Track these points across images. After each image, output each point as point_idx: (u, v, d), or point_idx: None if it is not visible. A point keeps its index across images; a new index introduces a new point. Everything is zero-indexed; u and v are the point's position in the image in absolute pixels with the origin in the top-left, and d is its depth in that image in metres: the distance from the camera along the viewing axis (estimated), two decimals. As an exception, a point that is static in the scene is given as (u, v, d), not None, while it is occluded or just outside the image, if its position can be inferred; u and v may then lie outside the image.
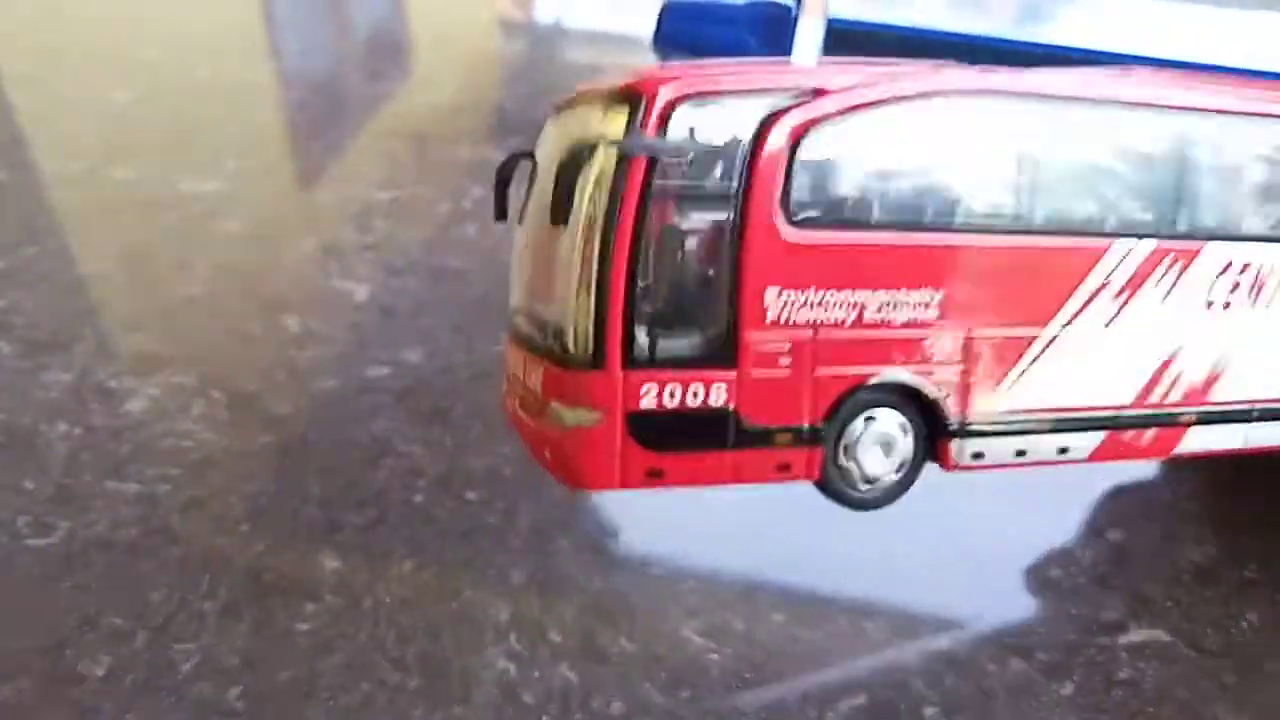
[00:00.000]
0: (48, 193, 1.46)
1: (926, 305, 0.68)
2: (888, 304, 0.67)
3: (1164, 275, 0.74)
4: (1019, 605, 0.85)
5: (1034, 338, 0.71)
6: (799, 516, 0.90)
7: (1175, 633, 0.82)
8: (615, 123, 0.64)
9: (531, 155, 0.77)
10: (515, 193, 0.81)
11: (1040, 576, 0.87)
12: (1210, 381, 0.76)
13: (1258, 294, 0.76)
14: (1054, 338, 0.71)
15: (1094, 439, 0.74)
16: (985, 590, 0.86)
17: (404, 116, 1.77)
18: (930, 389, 0.69)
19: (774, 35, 1.35)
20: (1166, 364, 0.75)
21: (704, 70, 0.68)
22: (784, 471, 0.67)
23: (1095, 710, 0.75)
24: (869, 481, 0.70)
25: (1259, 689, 0.77)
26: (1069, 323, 0.72)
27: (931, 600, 0.84)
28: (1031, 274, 0.71)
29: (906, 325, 0.67)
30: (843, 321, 0.66)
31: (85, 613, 0.80)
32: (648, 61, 1.40)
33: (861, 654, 0.80)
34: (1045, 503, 0.92)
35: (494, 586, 0.84)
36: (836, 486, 0.70)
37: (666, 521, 0.91)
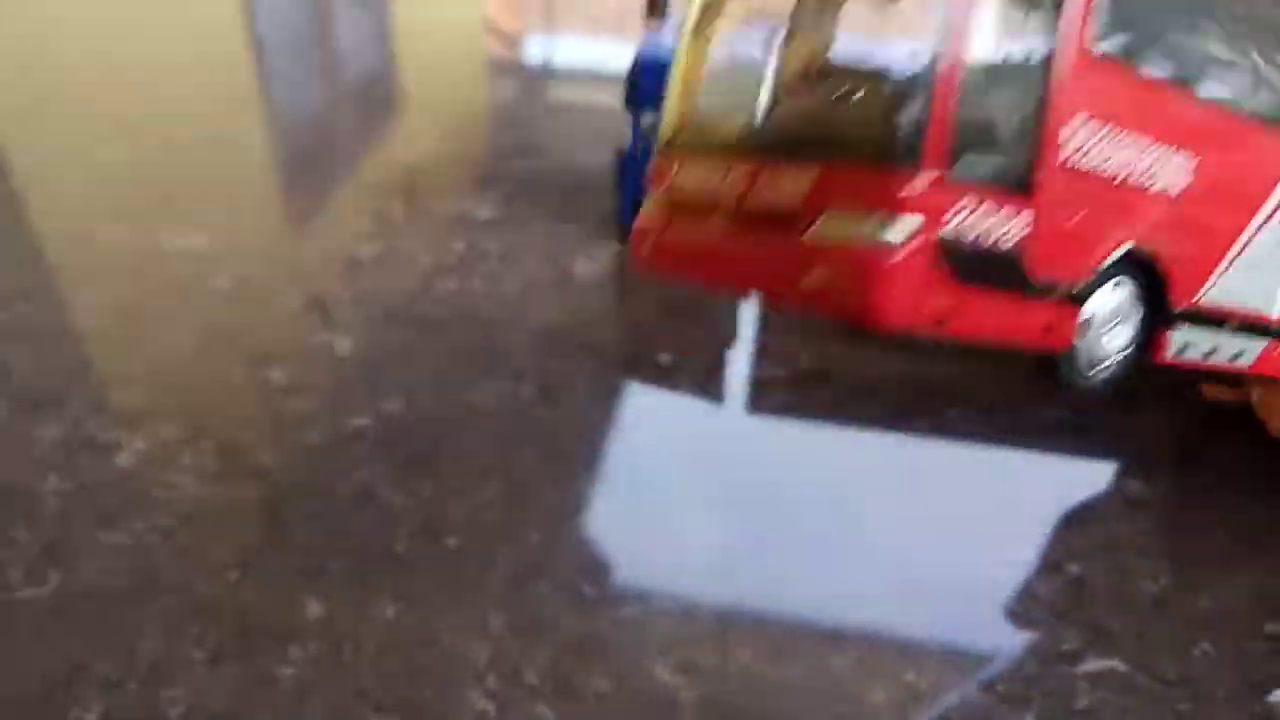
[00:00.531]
0: (36, 251, 1.48)
1: (1182, 174, 0.66)
2: (1153, 164, 0.65)
3: None
4: (980, 638, 0.87)
5: (1244, 225, 0.70)
6: (768, 557, 0.93)
7: (1132, 662, 0.84)
8: None
9: None
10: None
11: (1000, 609, 0.89)
12: None
13: None
14: (1258, 229, 0.70)
15: (1258, 347, 0.74)
16: (947, 623, 0.87)
17: (390, 169, 1.80)
18: (1166, 268, 0.68)
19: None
20: None
21: None
22: (1046, 334, 0.66)
23: (1055, 739, 0.77)
24: (1095, 364, 0.69)
25: (1213, 716, 0.79)
26: (1265, 222, 0.71)
27: (895, 634, 0.86)
28: (1253, 161, 0.70)
29: (1161, 195, 0.66)
30: (1116, 177, 0.64)
31: (75, 661, 0.81)
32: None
33: (827, 688, 0.81)
34: (1005, 538, 0.95)
35: (473, 629, 0.85)
36: (1062, 365, 0.68)
37: (639, 563, 0.93)
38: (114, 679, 0.80)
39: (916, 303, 0.60)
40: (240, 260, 1.44)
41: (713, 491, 1.01)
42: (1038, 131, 0.62)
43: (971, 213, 0.60)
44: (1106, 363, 0.70)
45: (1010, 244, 0.62)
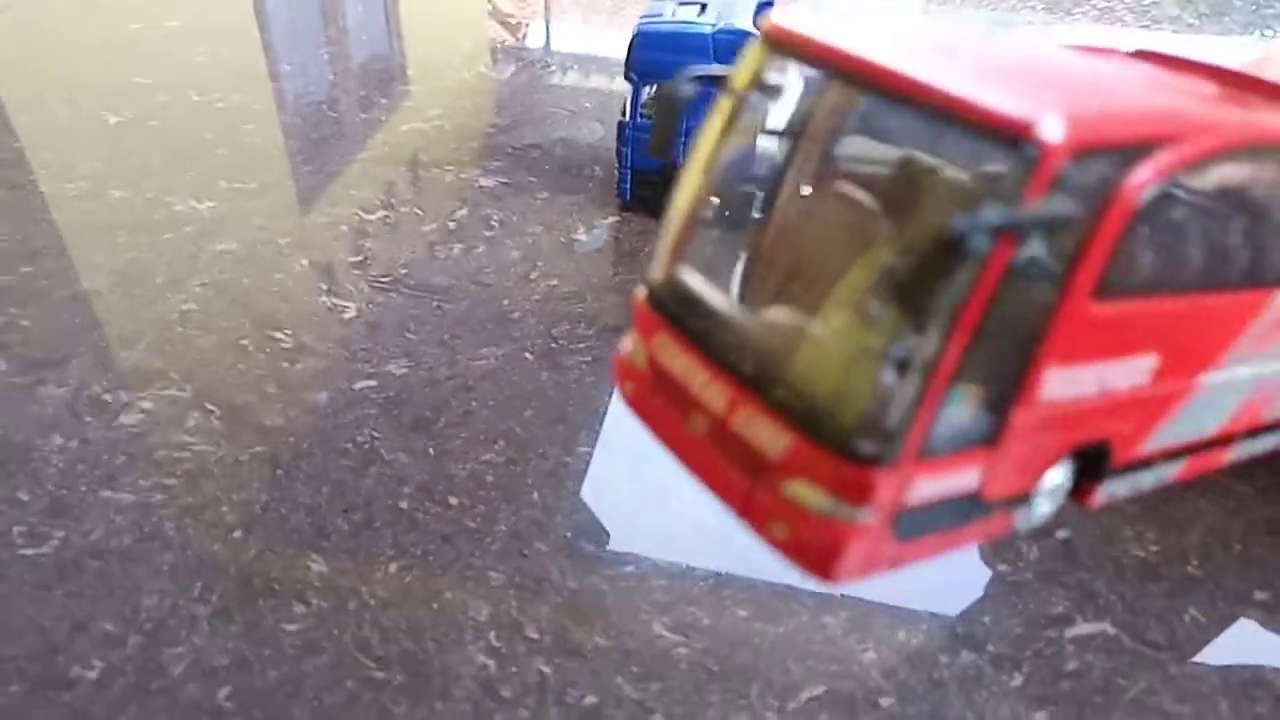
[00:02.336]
0: (45, 213, 1.48)
1: (1145, 370, 0.62)
2: (1126, 371, 0.61)
3: None
4: (970, 600, 0.88)
5: (1196, 386, 0.67)
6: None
7: (1120, 626, 0.85)
8: (987, 181, 0.49)
9: (722, 82, 0.61)
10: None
11: (990, 572, 0.91)
12: (1263, 407, 0.77)
13: None
14: (1201, 386, 0.68)
15: (1180, 465, 0.74)
16: (938, 586, 0.88)
17: (395, 141, 1.80)
18: (1114, 444, 0.65)
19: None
20: (1248, 397, 0.74)
21: (1087, 92, 0.53)
22: (990, 535, 0.63)
23: (1043, 700, 0.78)
24: (1031, 527, 0.66)
25: (1202, 680, 0.81)
26: (1218, 369, 0.68)
27: (887, 596, 0.87)
28: (1217, 326, 0.66)
29: (1124, 389, 0.62)
30: (1085, 394, 0.59)
31: (78, 618, 0.82)
32: (625, 86, 1.43)
33: (820, 647, 0.83)
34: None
35: (474, 587, 0.87)
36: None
37: (638, 523, 0.94)
38: (116, 636, 0.81)
39: (870, 561, 0.58)
40: (247, 225, 1.45)
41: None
42: (1019, 385, 0.55)
43: (938, 480, 0.55)
44: (1039, 519, 0.67)
45: (969, 488, 0.58)
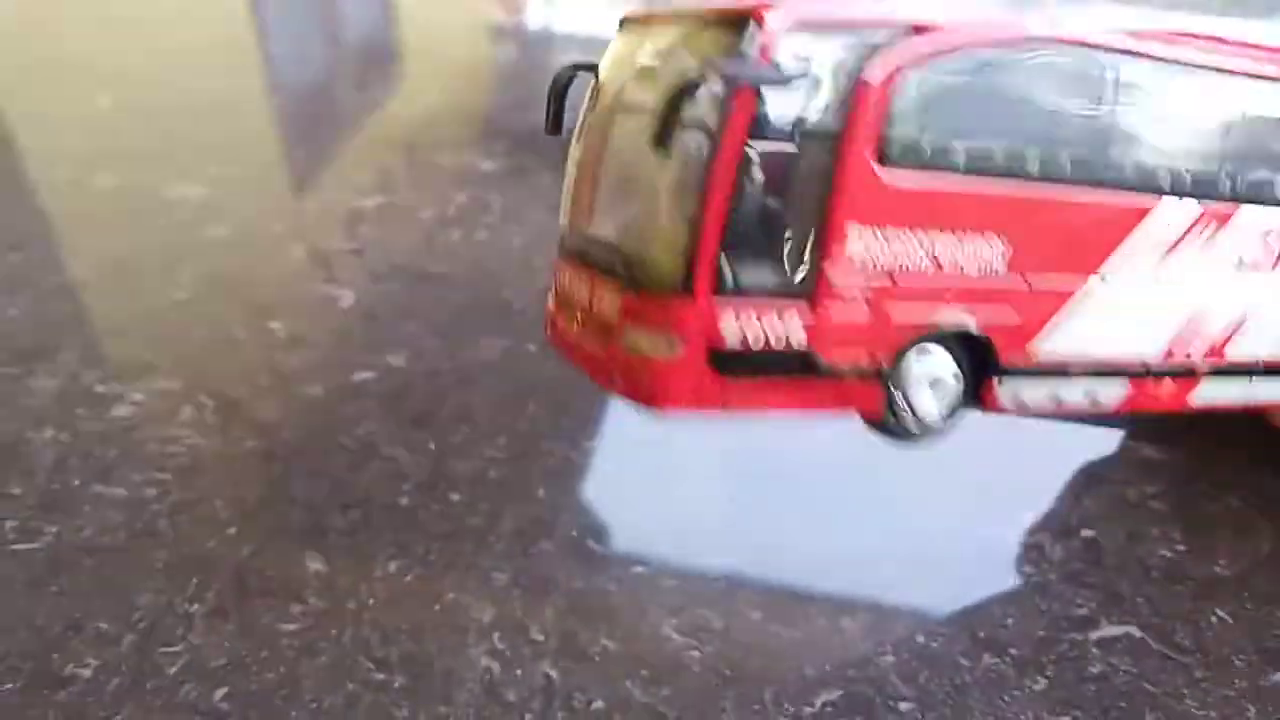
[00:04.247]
0: (33, 199, 1.46)
1: (994, 252, 0.69)
2: (961, 250, 0.68)
3: (1202, 234, 0.75)
4: (992, 602, 0.86)
5: (1079, 288, 0.72)
6: (777, 517, 0.91)
7: (1146, 628, 0.83)
8: (720, 47, 0.62)
9: (592, 69, 0.76)
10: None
11: (1013, 574, 0.89)
12: (1227, 338, 0.78)
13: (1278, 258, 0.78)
14: (1095, 289, 0.73)
15: (1120, 389, 0.75)
16: (959, 587, 0.87)
17: (391, 124, 1.78)
18: (987, 334, 0.70)
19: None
20: (1193, 320, 0.76)
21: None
22: (850, 405, 0.68)
23: (1067, 704, 0.76)
24: (919, 421, 0.71)
25: (1228, 683, 0.79)
26: (1110, 275, 0.73)
27: (907, 597, 0.85)
28: (1085, 226, 0.72)
29: (973, 272, 0.68)
30: (917, 267, 0.66)
31: (72, 616, 0.80)
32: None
33: (838, 650, 0.80)
34: (1018, 501, 0.94)
35: (477, 587, 0.85)
36: (890, 425, 0.71)
37: (647, 522, 0.92)
38: (111, 634, 0.79)
39: (697, 396, 0.65)
40: (240, 211, 1.42)
41: (721, 450, 1.00)
42: (820, 239, 0.64)
43: (749, 320, 0.64)
44: (935, 416, 0.71)
45: (796, 339, 0.65)
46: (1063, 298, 0.72)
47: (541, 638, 0.80)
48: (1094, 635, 0.82)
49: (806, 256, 0.64)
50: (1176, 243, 0.75)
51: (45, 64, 1.90)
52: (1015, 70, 0.68)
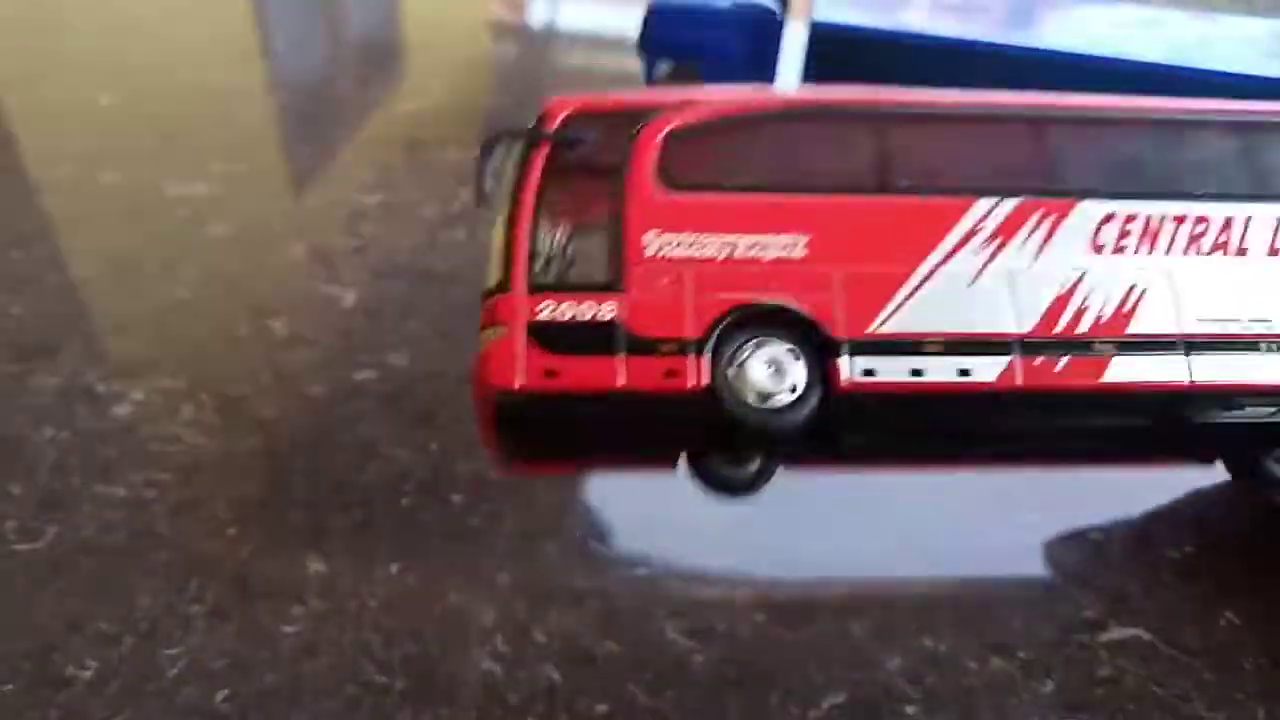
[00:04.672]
0: (34, 197, 1.45)
1: (794, 246, 0.77)
2: (756, 245, 0.77)
3: (1036, 225, 0.80)
4: (1000, 604, 0.85)
5: (907, 275, 0.77)
6: (783, 518, 0.91)
7: (1155, 631, 0.82)
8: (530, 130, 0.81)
9: (518, 135, 0.86)
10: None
11: (1021, 576, 0.88)
12: (1123, 314, 0.78)
13: (1153, 241, 0.81)
14: (929, 275, 0.77)
15: (998, 363, 0.76)
16: (966, 589, 0.86)
17: (393, 121, 1.77)
18: (807, 311, 0.75)
19: (759, 38, 1.36)
20: (1063, 297, 0.78)
21: (606, 94, 0.84)
22: (674, 378, 0.74)
23: (1076, 708, 0.76)
24: (763, 398, 0.73)
25: (1238, 686, 0.78)
26: (941, 263, 0.78)
27: (913, 599, 0.85)
28: (896, 224, 0.79)
29: (776, 261, 0.77)
30: (715, 258, 0.77)
31: (72, 617, 0.80)
32: (635, 65, 1.40)
33: (843, 653, 0.80)
34: (1025, 503, 0.93)
35: (480, 589, 0.84)
36: (729, 405, 0.73)
37: (651, 523, 0.92)
38: (111, 635, 0.79)
39: (526, 365, 0.73)
40: (241, 209, 1.42)
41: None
42: (620, 244, 0.77)
43: (560, 304, 0.75)
44: (776, 397, 0.74)
45: (607, 318, 0.74)
46: (891, 284, 0.77)
47: (544, 640, 0.80)
48: (1102, 638, 0.82)
49: (613, 259, 0.76)
50: (1009, 234, 0.79)
51: (47, 61, 1.89)
52: (771, 124, 0.82)
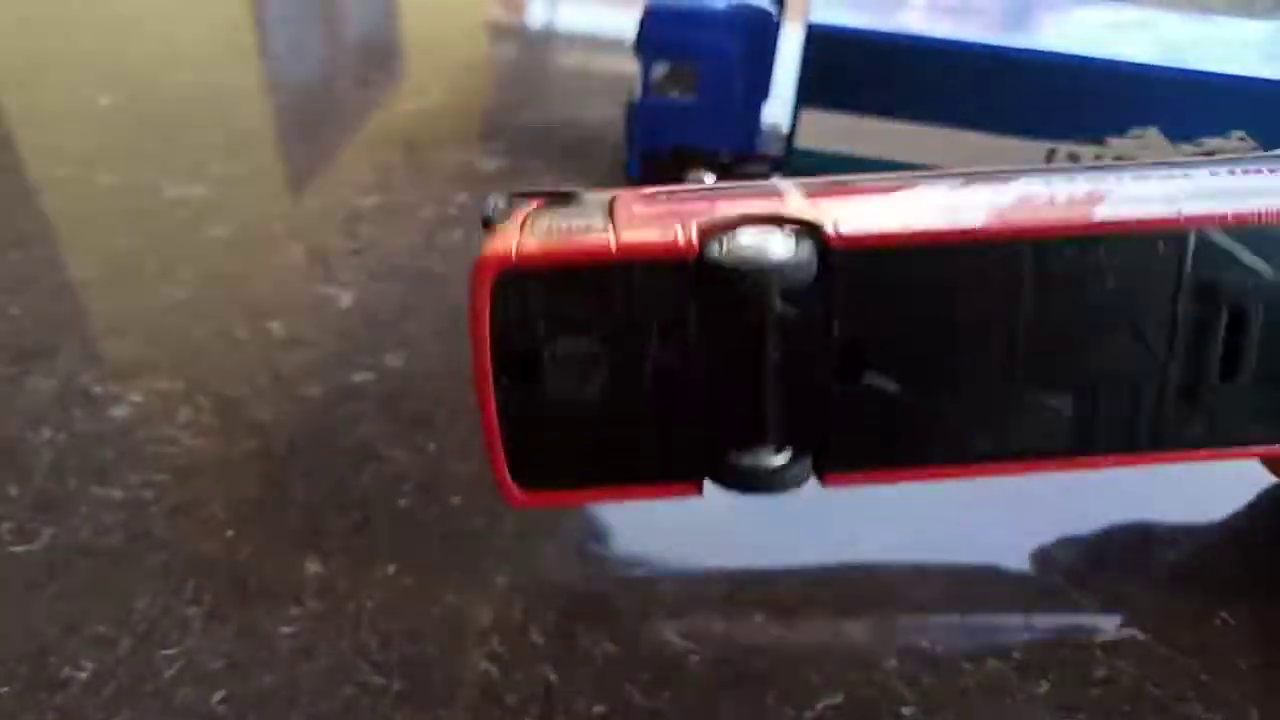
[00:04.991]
0: (33, 198, 1.45)
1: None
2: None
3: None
4: (996, 605, 0.85)
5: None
6: (779, 517, 0.91)
7: (1151, 631, 0.82)
8: None
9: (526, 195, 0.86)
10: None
11: (1016, 577, 0.88)
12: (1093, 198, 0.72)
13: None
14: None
15: (982, 212, 0.71)
16: (962, 590, 0.86)
17: (392, 122, 1.77)
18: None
19: (755, 40, 1.36)
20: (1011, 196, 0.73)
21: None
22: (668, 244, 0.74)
23: (1071, 708, 0.76)
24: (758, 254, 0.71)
25: (1234, 686, 0.78)
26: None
27: (909, 601, 0.84)
28: None
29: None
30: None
31: (68, 619, 0.80)
32: (633, 67, 1.40)
33: (840, 654, 0.80)
34: (1021, 504, 0.93)
35: (477, 590, 0.84)
36: (723, 260, 0.70)
37: (647, 524, 0.92)
38: (108, 637, 0.79)
39: (518, 249, 0.73)
40: (239, 210, 1.42)
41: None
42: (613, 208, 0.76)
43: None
44: (774, 253, 0.69)
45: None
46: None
47: (541, 640, 0.80)
48: (1099, 639, 0.82)
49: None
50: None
51: (46, 62, 1.89)
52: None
